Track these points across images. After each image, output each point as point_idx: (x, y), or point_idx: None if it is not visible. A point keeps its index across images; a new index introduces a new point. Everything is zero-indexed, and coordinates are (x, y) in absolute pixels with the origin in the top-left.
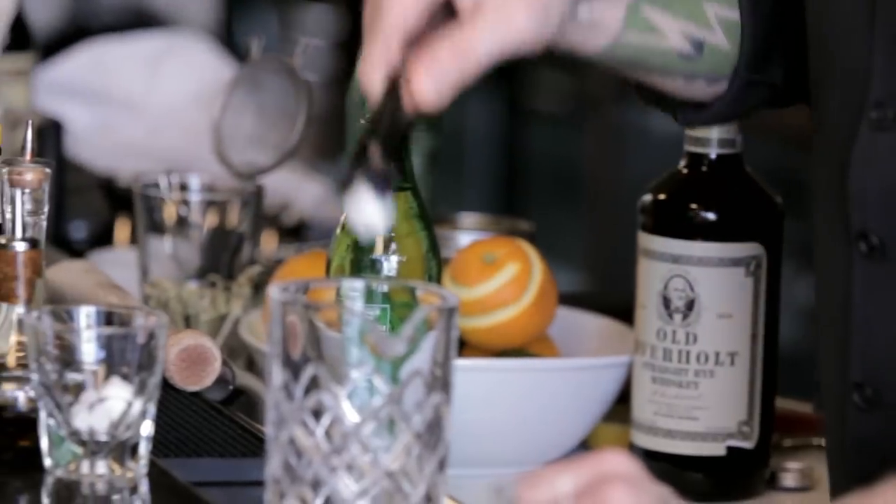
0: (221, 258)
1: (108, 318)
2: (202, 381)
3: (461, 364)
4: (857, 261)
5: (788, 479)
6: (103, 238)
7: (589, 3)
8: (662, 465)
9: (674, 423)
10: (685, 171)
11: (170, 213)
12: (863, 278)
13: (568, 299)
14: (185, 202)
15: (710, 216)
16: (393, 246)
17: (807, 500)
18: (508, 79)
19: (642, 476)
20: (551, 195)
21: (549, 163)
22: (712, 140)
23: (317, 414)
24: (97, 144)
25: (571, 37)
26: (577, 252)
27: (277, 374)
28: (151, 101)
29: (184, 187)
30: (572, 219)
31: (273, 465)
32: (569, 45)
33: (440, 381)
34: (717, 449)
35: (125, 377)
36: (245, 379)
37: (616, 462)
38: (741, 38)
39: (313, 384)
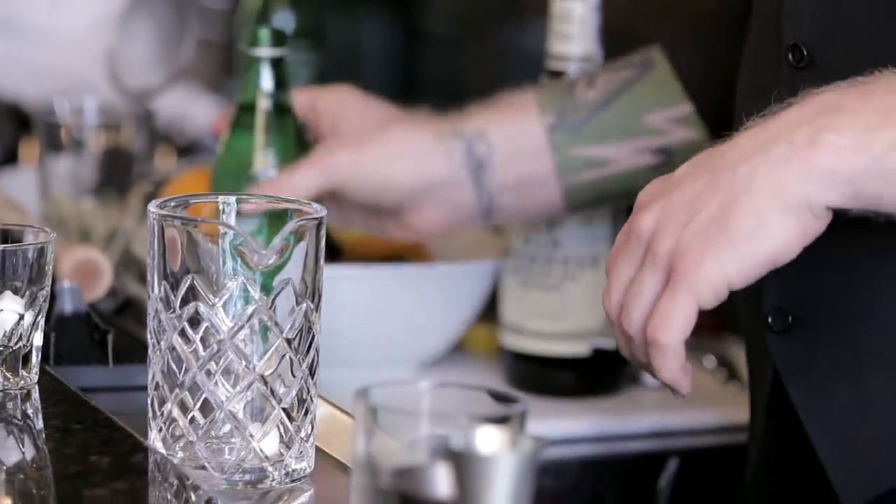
0: (115, 176)
1: (0, 236)
2: (94, 292)
3: (337, 272)
4: (784, 74)
5: (650, 377)
6: (10, 159)
7: (491, 170)
8: (531, 365)
9: (540, 324)
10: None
11: (66, 135)
12: (788, 91)
13: None
14: (81, 124)
15: None
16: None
17: (669, 397)
18: (404, 1)
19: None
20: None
21: (441, 84)
22: (572, 56)
23: (194, 322)
24: (3, 71)
25: (514, 202)
26: None
27: (157, 286)
28: (54, 29)
29: (80, 110)
30: None
31: (154, 372)
32: (520, 210)
33: (310, 290)
34: (583, 348)
35: (16, 291)
36: (135, 290)
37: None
38: (701, 116)
39: (191, 294)
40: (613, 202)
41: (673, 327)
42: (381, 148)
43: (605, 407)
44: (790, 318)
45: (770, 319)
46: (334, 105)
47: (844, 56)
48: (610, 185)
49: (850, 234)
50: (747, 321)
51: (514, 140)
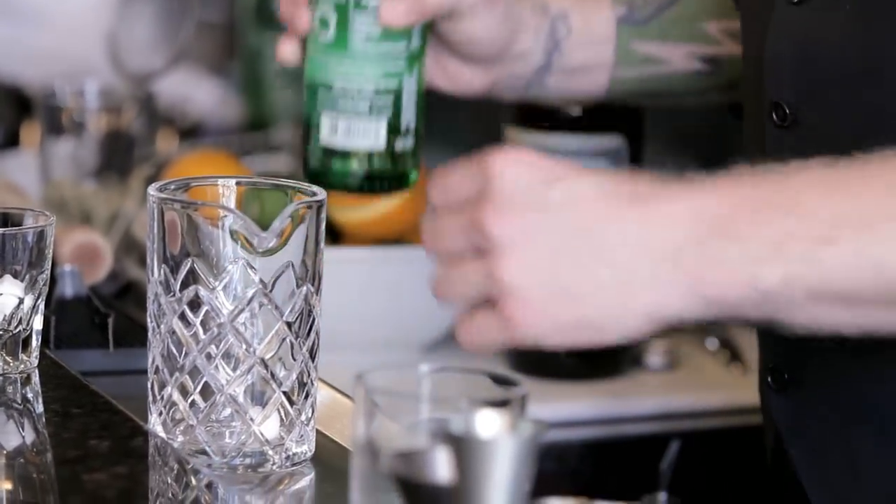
0: (116, 159)
1: (0, 219)
2: (94, 275)
3: (337, 254)
4: (769, 132)
5: (653, 359)
6: (12, 142)
7: (561, 52)
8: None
9: None
10: None
11: (68, 118)
12: (774, 148)
13: None
14: (82, 107)
15: (574, 110)
16: None
17: (671, 379)
18: None
19: (537, 156)
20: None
21: None
22: None
23: (194, 306)
24: (4, 54)
25: (560, 84)
26: (459, 147)
27: (157, 269)
28: (55, 12)
29: (81, 93)
30: (454, 117)
31: (154, 355)
32: (561, 91)
33: (310, 273)
34: None
35: (16, 275)
36: (136, 273)
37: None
38: None
39: (191, 278)
40: (650, 99)
41: (480, 346)
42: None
43: (606, 389)
44: (786, 377)
45: (769, 378)
46: None
47: (826, 115)
48: (654, 84)
49: None
50: (759, 373)
51: (590, 26)
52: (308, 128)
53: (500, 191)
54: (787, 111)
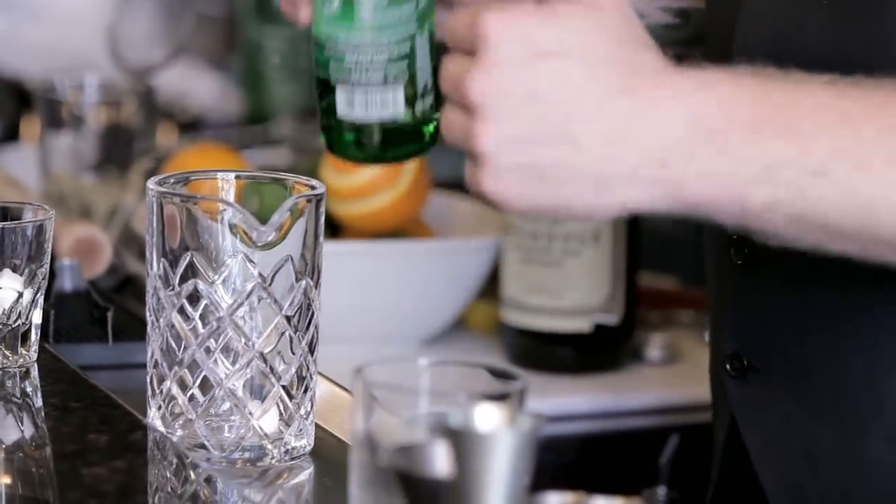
0: (116, 153)
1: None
2: (93, 269)
3: (337, 248)
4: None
5: (653, 353)
6: (11, 136)
7: None
8: (532, 341)
9: (541, 300)
10: None
11: (67, 112)
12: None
13: (444, 185)
14: (82, 101)
15: None
16: None
17: (670, 373)
18: None
19: (540, 18)
20: None
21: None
22: None
23: (193, 300)
24: (4, 48)
25: None
26: None
27: (156, 263)
28: (55, 6)
29: (81, 87)
30: None
31: (153, 349)
32: None
33: (309, 267)
34: (584, 324)
35: (15, 269)
36: (135, 267)
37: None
38: None
39: (190, 272)
40: None
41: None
42: None
43: (605, 383)
44: (746, 364)
45: (728, 364)
46: None
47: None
48: None
49: (805, 284)
50: (712, 360)
51: None
52: (322, 101)
53: (490, 55)
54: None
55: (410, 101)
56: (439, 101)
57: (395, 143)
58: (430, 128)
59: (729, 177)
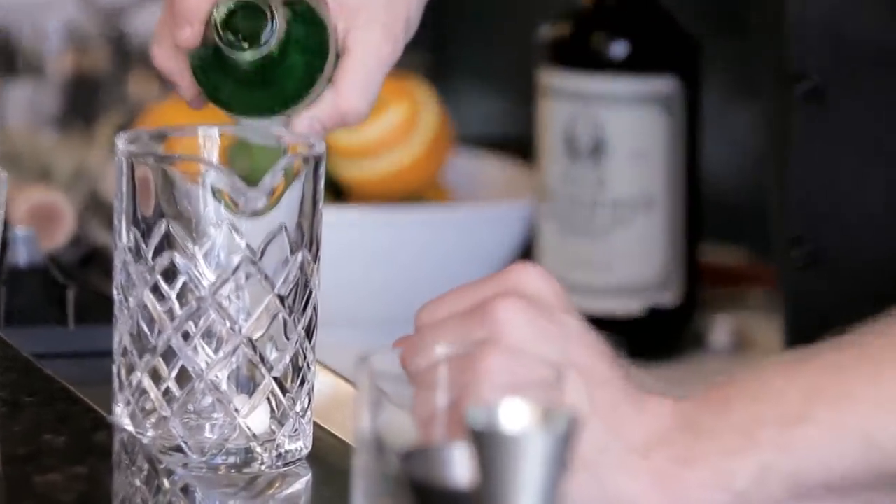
0: (81, 105)
1: None
2: (53, 240)
3: (340, 216)
4: (796, 103)
5: (718, 338)
6: None
7: None
8: None
9: (584, 277)
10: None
11: (25, 58)
12: (801, 123)
13: (468, 141)
14: (43, 46)
15: (619, 47)
16: None
17: (739, 362)
18: None
19: (549, 293)
20: (455, 22)
21: None
22: None
23: (169, 276)
24: None
25: None
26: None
27: (125, 233)
28: None
29: (42, 30)
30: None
31: (121, 334)
32: None
33: (307, 238)
34: (635, 306)
35: None
36: (103, 238)
37: (522, 278)
38: None
39: (166, 243)
40: None
41: None
42: None
43: (662, 376)
44: (807, 253)
45: (789, 253)
46: None
47: (856, 93)
48: None
49: (869, 175)
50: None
51: None
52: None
53: (506, 341)
54: (815, 85)
55: None
56: None
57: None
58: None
59: (711, 456)
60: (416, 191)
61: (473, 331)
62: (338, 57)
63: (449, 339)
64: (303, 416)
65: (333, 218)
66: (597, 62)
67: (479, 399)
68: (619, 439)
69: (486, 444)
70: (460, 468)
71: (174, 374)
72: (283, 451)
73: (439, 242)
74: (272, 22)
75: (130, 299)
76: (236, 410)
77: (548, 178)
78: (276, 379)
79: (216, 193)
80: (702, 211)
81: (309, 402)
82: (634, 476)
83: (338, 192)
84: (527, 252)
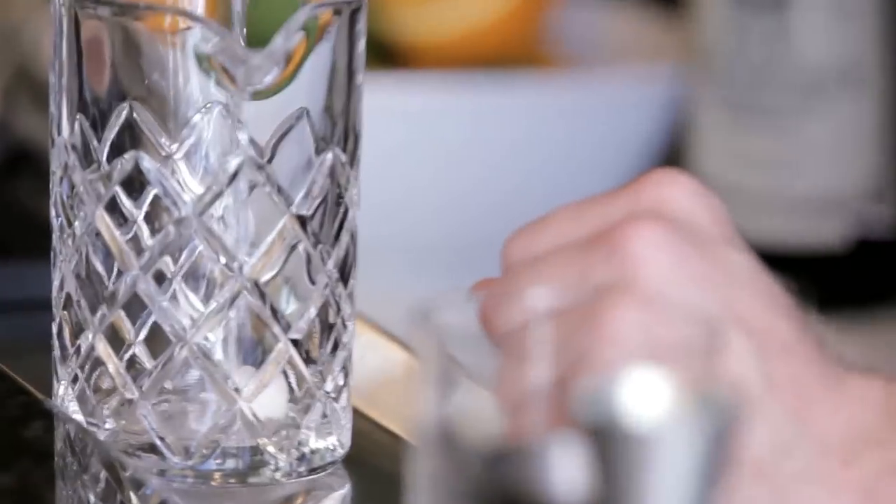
0: None
1: None
2: None
3: (394, 91)
4: None
5: None
6: None
7: None
8: None
9: (761, 182)
10: None
11: None
12: None
13: None
14: None
15: None
16: None
17: None
18: None
19: (705, 215)
20: None
21: None
22: None
23: (133, 188)
24: None
25: None
26: None
27: (67, 123)
28: None
29: None
30: None
31: (63, 276)
32: None
33: (339, 129)
34: (833, 231)
35: None
36: (34, 130)
37: (665, 193)
38: None
39: (127, 138)
40: None
41: None
42: None
43: (870, 340)
44: None
45: None
46: None
47: None
48: None
49: None
50: None
51: None
52: None
53: (641, 288)
54: None
55: None
56: None
57: None
58: None
59: None
60: (506, 55)
61: (592, 272)
62: None
63: (554, 285)
64: (336, 399)
65: (380, 97)
66: None
67: (599, 375)
68: (807, 436)
69: (608, 442)
70: (567, 475)
71: (142, 335)
72: (307, 450)
73: (540, 133)
74: None
75: (76, 223)
76: (237, 390)
77: (707, 39)
78: (295, 343)
79: (203, 62)
80: None
81: (345, 378)
82: (831, 492)
83: (387, 57)
84: (673, 151)
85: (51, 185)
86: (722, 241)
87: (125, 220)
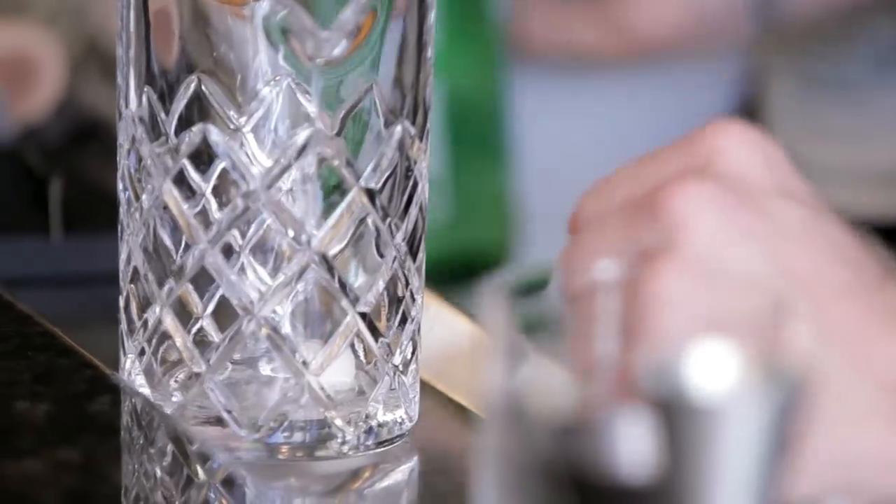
0: None
1: None
2: (29, 105)
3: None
4: None
5: None
6: None
7: None
8: None
9: (835, 156)
10: None
11: None
12: None
13: None
14: None
15: None
16: None
17: None
18: None
19: (758, 167)
20: None
21: None
22: None
23: (202, 161)
24: None
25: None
26: None
27: (134, 96)
28: None
29: None
30: None
31: (131, 250)
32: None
33: (409, 102)
34: None
35: None
36: (102, 103)
37: (720, 145)
38: None
39: (196, 111)
40: None
41: None
42: None
43: None
44: None
45: None
46: None
47: None
48: None
49: None
50: None
51: None
52: None
53: (687, 250)
54: None
55: None
56: None
57: None
58: None
59: None
60: None
61: (639, 235)
62: None
63: (610, 248)
64: (404, 373)
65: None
66: None
67: (649, 344)
68: (866, 377)
69: (675, 416)
70: (635, 448)
71: (210, 308)
72: (374, 423)
73: (609, 100)
74: None
75: (143, 197)
76: (304, 364)
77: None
78: (363, 316)
79: (272, 35)
80: None
81: (413, 352)
82: (891, 427)
83: None
84: (748, 116)
85: (118, 159)
86: (773, 192)
87: (193, 193)
